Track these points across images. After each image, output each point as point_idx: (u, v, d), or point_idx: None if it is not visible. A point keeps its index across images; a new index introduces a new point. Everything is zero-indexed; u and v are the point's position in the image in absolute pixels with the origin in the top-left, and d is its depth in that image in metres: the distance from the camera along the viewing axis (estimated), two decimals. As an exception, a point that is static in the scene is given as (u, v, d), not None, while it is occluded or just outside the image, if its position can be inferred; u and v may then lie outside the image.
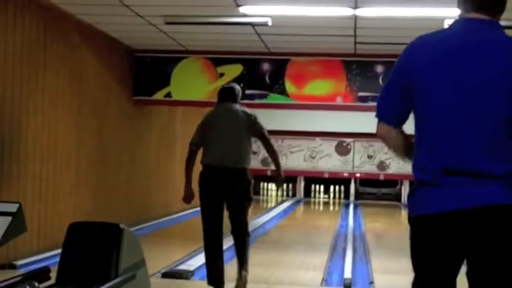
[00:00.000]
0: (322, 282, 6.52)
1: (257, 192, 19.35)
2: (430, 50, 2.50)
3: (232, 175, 5.43)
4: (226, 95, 5.70)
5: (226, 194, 5.49)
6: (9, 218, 2.62)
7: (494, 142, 2.41)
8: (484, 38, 2.47)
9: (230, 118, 5.53)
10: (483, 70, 2.42)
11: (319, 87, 9.46)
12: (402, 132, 2.65)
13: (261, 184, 19.58)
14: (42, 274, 3.82)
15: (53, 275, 3.89)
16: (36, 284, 3.34)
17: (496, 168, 2.38)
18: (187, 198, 5.72)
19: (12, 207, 2.68)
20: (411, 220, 2.53)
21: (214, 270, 5.58)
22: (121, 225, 4.09)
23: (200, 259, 7.33)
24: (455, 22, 2.57)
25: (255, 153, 18.98)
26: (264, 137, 5.70)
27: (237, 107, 5.64)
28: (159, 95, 9.82)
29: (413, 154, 2.57)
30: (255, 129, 5.61)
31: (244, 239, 5.69)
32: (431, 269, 2.49)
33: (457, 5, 2.60)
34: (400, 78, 2.56)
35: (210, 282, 5.57)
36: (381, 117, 2.63)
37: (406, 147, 2.65)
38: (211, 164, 5.42)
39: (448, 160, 2.43)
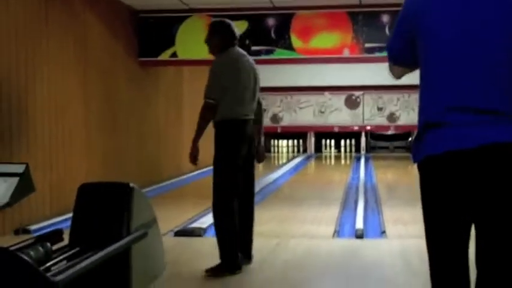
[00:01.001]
0: (334, 234, 6.56)
1: (268, 150, 19.40)
2: None
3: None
4: (240, 39, 5.29)
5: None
6: (16, 179, 2.63)
7: (497, 84, 2.38)
8: None
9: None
10: (484, 14, 2.40)
11: (326, 40, 9.38)
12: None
13: (272, 141, 19.60)
14: (54, 236, 3.84)
15: (67, 237, 3.92)
16: (49, 245, 3.36)
17: (499, 107, 2.36)
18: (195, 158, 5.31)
19: (19, 168, 2.69)
20: (418, 164, 2.52)
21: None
22: (131, 185, 4.10)
23: (211, 217, 7.38)
24: None
25: (264, 110, 18.95)
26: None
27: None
28: (165, 56, 9.78)
29: None
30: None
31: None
32: (442, 212, 2.47)
33: None
34: (405, 23, 2.57)
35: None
36: (391, 59, 2.69)
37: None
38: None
39: (450, 100, 2.42)
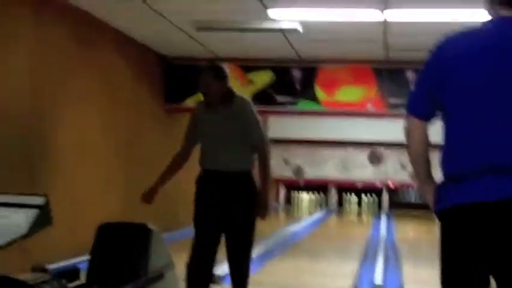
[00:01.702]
0: (352, 289, 6.47)
1: (289, 202, 19.34)
2: (460, 45, 2.51)
3: None
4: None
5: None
6: (36, 211, 2.65)
7: None
8: None
9: None
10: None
11: (350, 93, 9.43)
12: (427, 133, 2.64)
13: (293, 194, 19.56)
14: (71, 273, 3.85)
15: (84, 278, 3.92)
16: (64, 281, 3.36)
17: None
18: None
19: (39, 200, 2.71)
20: (440, 212, 2.51)
21: None
22: (149, 226, 4.12)
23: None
24: (485, 21, 2.56)
25: (286, 162, 18.98)
26: None
27: None
28: (190, 102, 9.87)
29: (427, 169, 2.62)
30: None
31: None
32: (460, 262, 2.44)
33: (484, 3, 2.60)
34: (430, 76, 2.57)
35: None
36: (411, 111, 2.63)
37: (426, 151, 2.63)
38: None
39: (478, 154, 2.41)
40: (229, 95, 4.62)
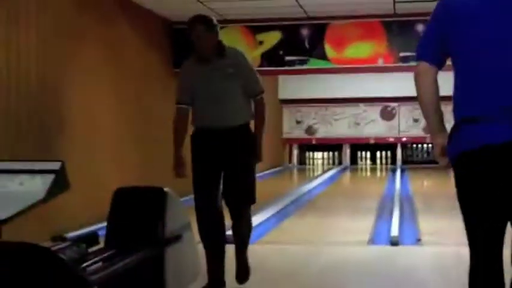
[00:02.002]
0: (368, 242, 6.53)
1: (303, 161, 19.40)
2: None
3: None
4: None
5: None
6: (52, 176, 2.68)
7: None
8: None
9: None
10: None
11: (360, 49, 9.37)
12: (436, 79, 2.64)
13: (307, 153, 19.59)
14: (90, 238, 3.89)
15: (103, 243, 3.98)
16: (84, 246, 3.41)
17: None
18: None
19: (55, 165, 2.74)
20: (455, 159, 2.53)
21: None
22: (165, 189, 4.15)
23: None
24: None
25: (298, 122, 18.99)
26: None
27: None
28: (200, 66, 9.85)
29: (438, 116, 2.63)
30: None
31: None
32: (480, 206, 2.50)
33: None
34: (439, 23, 2.59)
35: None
36: (421, 56, 2.65)
37: (437, 98, 2.63)
38: None
39: (488, 97, 2.45)
40: (220, 47, 4.46)
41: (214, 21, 4.50)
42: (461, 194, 2.56)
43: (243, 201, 4.64)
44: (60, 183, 2.70)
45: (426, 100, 2.64)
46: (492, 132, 2.42)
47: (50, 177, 2.66)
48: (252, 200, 4.70)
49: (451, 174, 2.60)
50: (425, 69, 2.62)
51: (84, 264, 3.35)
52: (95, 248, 3.87)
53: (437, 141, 2.67)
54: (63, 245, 3.57)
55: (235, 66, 4.42)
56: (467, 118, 2.49)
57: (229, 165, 4.50)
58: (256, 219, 7.90)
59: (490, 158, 2.42)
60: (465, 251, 2.65)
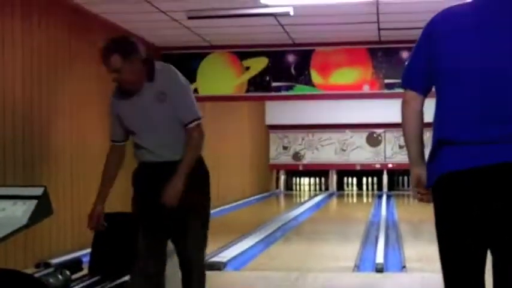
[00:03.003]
0: (354, 269, 6.52)
1: (290, 187, 19.40)
2: (454, 17, 2.56)
3: None
4: None
5: None
6: (34, 201, 2.66)
7: None
8: (506, 4, 2.49)
9: None
10: (502, 35, 2.45)
11: (345, 75, 9.43)
12: (422, 108, 2.66)
13: (294, 179, 19.60)
14: (74, 265, 3.88)
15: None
16: (68, 272, 3.39)
17: None
18: None
19: (38, 191, 2.72)
20: (434, 184, 2.52)
21: None
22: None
23: (232, 251, 7.40)
24: None
25: (285, 148, 19.02)
26: None
27: None
28: (186, 91, 9.87)
29: (419, 147, 2.63)
30: None
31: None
32: (458, 231, 2.46)
33: None
34: (425, 46, 2.61)
35: None
36: (407, 84, 2.66)
37: (420, 127, 2.64)
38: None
39: (469, 119, 2.45)
40: (148, 69, 3.71)
41: (132, 41, 3.74)
42: (439, 218, 2.53)
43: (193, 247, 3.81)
44: (43, 209, 2.69)
45: (409, 129, 2.65)
46: (470, 155, 2.42)
47: (33, 203, 2.64)
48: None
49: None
50: (411, 97, 2.63)
51: (67, 291, 3.34)
52: (79, 275, 3.86)
53: (414, 171, 2.67)
54: (46, 271, 3.56)
55: (165, 89, 3.70)
56: (446, 140, 2.49)
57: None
58: (242, 245, 7.91)
59: (469, 181, 2.41)
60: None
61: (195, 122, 3.74)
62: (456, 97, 2.50)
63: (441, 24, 2.56)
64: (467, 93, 2.47)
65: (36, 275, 3.24)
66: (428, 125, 2.69)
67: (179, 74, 3.77)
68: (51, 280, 3.26)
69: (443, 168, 2.48)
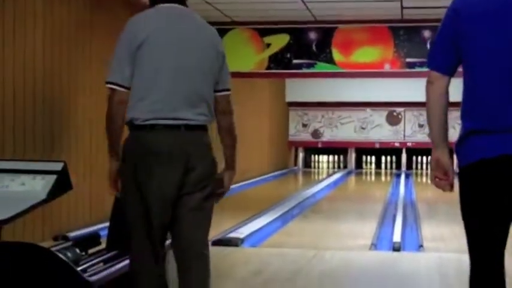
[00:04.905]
0: (371, 247, 6.53)
1: (308, 165, 19.41)
2: (475, 3, 2.53)
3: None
4: None
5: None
6: (54, 176, 2.69)
7: None
8: None
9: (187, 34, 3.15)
10: None
11: (367, 54, 9.37)
12: (447, 88, 2.65)
13: (312, 156, 19.58)
14: (91, 240, 3.91)
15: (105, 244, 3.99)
16: (78, 250, 3.42)
17: None
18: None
19: (57, 166, 2.75)
20: (462, 168, 2.56)
21: None
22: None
23: (249, 228, 7.43)
24: None
25: (305, 125, 19.00)
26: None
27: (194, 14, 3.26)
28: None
29: (445, 127, 2.63)
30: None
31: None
32: (484, 215, 2.52)
33: None
34: (449, 29, 2.59)
35: None
36: (432, 65, 2.65)
37: (445, 109, 2.63)
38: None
39: (498, 107, 2.46)
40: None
41: None
42: (464, 201, 2.58)
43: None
44: (62, 184, 2.71)
45: (432, 111, 2.64)
46: (499, 142, 2.45)
47: (52, 178, 2.67)
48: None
49: (455, 180, 2.61)
50: (436, 78, 2.62)
51: (86, 265, 3.37)
52: (96, 249, 3.89)
53: (434, 154, 2.67)
54: (65, 245, 3.59)
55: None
56: (475, 130, 2.51)
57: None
58: (259, 222, 7.94)
59: (495, 170, 2.46)
60: (467, 258, 2.65)
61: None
62: (484, 83, 2.49)
63: (467, 5, 2.54)
64: (496, 78, 2.47)
65: (53, 248, 3.27)
66: (454, 104, 2.68)
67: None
68: (69, 254, 3.29)
69: (471, 157, 2.51)
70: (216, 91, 3.20)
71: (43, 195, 2.62)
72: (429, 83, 2.63)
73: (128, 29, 3.19)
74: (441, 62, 2.61)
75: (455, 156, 2.63)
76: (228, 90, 3.26)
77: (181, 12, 3.20)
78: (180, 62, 3.08)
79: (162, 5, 3.22)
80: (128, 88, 3.10)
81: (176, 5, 3.21)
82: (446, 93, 2.63)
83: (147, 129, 3.04)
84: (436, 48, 2.65)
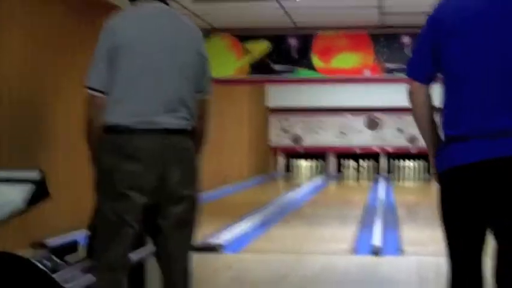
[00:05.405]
0: (351, 252, 6.55)
1: (288, 170, 19.43)
2: (457, 9, 2.55)
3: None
4: None
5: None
6: (31, 185, 2.66)
7: None
8: None
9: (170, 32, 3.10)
10: (510, 27, 2.47)
11: (347, 60, 9.41)
12: (429, 95, 2.69)
13: (292, 161, 19.61)
14: (69, 248, 3.90)
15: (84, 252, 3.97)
16: (54, 258, 3.40)
17: None
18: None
19: (35, 175, 2.72)
20: (442, 174, 2.59)
21: None
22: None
23: (230, 234, 7.43)
24: None
25: (285, 130, 19.02)
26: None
27: (175, 12, 3.21)
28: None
29: (432, 129, 2.68)
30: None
31: None
32: (461, 219, 2.55)
33: None
34: (429, 37, 2.61)
35: None
36: (411, 74, 2.69)
37: (430, 114, 2.69)
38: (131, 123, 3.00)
39: (476, 115, 2.49)
40: None
41: None
42: (443, 207, 2.61)
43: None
44: (39, 193, 2.69)
45: (419, 120, 2.70)
46: (477, 149, 2.48)
47: (30, 187, 2.64)
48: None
49: (434, 183, 2.65)
50: (416, 88, 2.67)
51: (64, 275, 3.35)
52: (74, 258, 3.87)
53: (431, 160, 2.74)
54: (42, 254, 3.57)
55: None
56: (453, 137, 2.54)
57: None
58: (241, 228, 7.94)
59: (473, 175, 2.49)
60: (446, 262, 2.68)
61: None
62: (468, 90, 2.52)
63: (446, 16, 2.56)
64: (474, 89, 2.50)
65: (31, 257, 3.25)
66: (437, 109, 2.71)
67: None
68: (47, 263, 3.27)
69: (451, 163, 2.54)
70: (195, 93, 3.14)
71: (21, 205, 2.59)
72: (411, 94, 2.68)
73: (105, 31, 3.11)
74: (420, 71, 2.65)
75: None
76: (207, 93, 3.22)
77: (161, 12, 3.10)
78: (160, 65, 3.01)
79: (141, 2, 3.13)
80: (106, 92, 3.05)
81: (157, 3, 3.12)
82: (429, 99, 2.67)
83: (125, 133, 2.97)
84: (415, 58, 2.68)
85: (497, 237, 2.54)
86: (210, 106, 3.26)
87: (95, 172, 3.12)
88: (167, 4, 3.16)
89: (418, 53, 2.66)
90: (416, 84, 2.66)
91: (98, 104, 3.06)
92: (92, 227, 3.84)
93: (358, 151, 18.65)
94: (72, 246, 3.65)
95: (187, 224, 3.08)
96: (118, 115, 3.00)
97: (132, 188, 2.95)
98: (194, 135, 3.15)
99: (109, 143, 3.04)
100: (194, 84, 3.11)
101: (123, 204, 2.95)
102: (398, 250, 6.61)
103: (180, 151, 3.03)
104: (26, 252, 5.06)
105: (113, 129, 3.01)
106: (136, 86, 3.00)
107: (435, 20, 2.58)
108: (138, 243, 3.25)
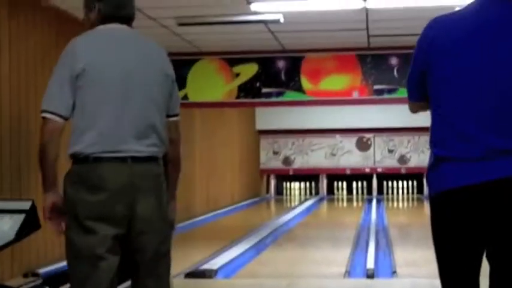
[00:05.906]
0: (345, 275, 6.53)
1: (280, 192, 19.42)
2: (448, 30, 2.54)
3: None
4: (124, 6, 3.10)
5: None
6: (22, 216, 2.63)
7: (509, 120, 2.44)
8: (503, 14, 2.48)
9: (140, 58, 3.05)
10: (500, 54, 2.45)
11: (335, 82, 9.45)
12: None
13: (284, 183, 19.61)
14: (62, 279, 3.86)
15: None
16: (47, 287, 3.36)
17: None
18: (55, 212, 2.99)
19: (25, 205, 2.69)
20: (434, 197, 2.57)
21: None
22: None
23: (223, 258, 7.39)
24: (471, 2, 2.58)
25: (276, 153, 19.03)
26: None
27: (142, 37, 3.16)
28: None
29: None
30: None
31: None
32: (456, 244, 2.52)
33: None
34: (421, 59, 2.61)
35: None
36: (408, 96, 2.74)
37: None
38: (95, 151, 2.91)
39: (465, 134, 2.47)
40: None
41: None
42: (437, 230, 2.58)
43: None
44: (30, 223, 2.66)
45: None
46: (469, 172, 2.45)
47: (20, 217, 2.61)
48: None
49: (426, 204, 2.63)
50: (417, 106, 2.75)
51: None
52: (67, 286, 3.83)
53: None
54: (34, 284, 3.54)
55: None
56: (443, 157, 2.51)
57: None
58: (233, 252, 7.90)
59: (467, 198, 2.46)
60: (439, 283, 2.66)
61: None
62: (454, 113, 2.51)
63: (436, 37, 2.55)
64: (466, 109, 2.48)
65: (23, 287, 3.22)
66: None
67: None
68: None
69: (442, 186, 2.52)
70: (165, 118, 3.03)
71: (11, 236, 2.56)
72: (416, 112, 2.81)
73: (67, 54, 2.97)
74: (419, 93, 2.66)
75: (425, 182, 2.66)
76: (176, 115, 3.12)
77: (125, 35, 3.02)
78: (126, 90, 2.89)
79: (105, 26, 3.02)
80: (66, 118, 2.91)
81: (121, 26, 3.02)
82: None
83: (90, 163, 2.85)
84: (412, 83, 2.69)
85: (490, 259, 2.52)
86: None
87: (61, 204, 2.94)
88: (131, 26, 3.07)
89: (412, 75, 2.67)
90: (416, 104, 2.73)
91: (53, 127, 2.90)
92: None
93: (349, 172, 18.66)
94: (65, 275, 3.61)
95: (161, 256, 2.95)
96: (82, 144, 2.88)
97: (99, 220, 2.82)
98: (167, 162, 3.05)
99: (73, 173, 2.92)
100: (163, 108, 3.01)
101: (91, 237, 2.82)
102: (392, 272, 6.59)
103: (150, 179, 2.92)
104: (18, 282, 5.01)
105: (78, 159, 2.90)
106: (101, 113, 2.87)
107: (427, 39, 2.58)
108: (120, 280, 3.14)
